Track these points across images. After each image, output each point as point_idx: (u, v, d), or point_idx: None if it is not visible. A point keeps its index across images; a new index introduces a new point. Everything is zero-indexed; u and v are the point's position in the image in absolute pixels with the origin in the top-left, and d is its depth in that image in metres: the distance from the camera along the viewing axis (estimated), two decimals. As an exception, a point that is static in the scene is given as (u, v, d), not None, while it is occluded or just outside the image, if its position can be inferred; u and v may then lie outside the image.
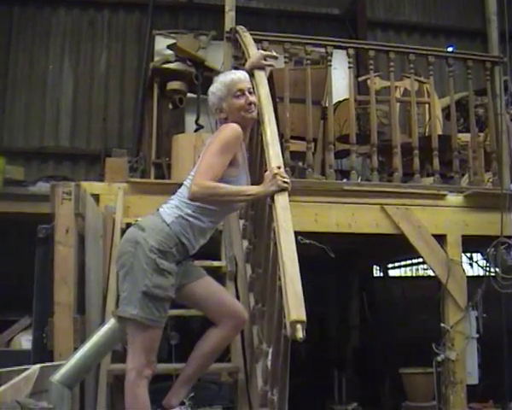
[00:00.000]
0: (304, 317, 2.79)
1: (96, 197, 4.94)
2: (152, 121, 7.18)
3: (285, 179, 3.38)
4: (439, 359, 5.38)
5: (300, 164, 6.01)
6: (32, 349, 4.25)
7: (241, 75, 3.76)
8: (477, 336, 5.52)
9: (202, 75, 7.13)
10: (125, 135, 8.25)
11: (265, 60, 4.19)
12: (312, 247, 4.92)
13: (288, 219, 3.20)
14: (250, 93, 3.72)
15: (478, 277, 6.53)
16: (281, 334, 3.08)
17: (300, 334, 2.77)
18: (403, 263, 9.05)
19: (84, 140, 8.34)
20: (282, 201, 3.31)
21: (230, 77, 3.74)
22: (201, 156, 3.61)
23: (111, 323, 3.48)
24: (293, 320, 2.78)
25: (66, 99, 8.42)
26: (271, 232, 3.37)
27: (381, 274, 8.99)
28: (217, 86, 3.73)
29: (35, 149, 8.12)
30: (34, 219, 4.50)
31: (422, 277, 8.96)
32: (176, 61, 7.49)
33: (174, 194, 3.66)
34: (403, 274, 9.42)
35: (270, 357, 3.45)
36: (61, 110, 8.38)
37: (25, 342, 5.45)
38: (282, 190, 3.36)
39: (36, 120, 8.31)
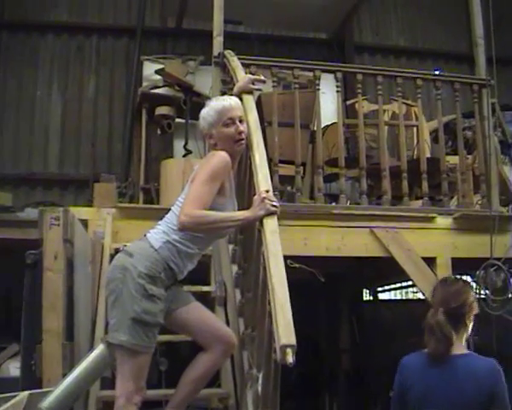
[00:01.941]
0: (294, 341, 2.77)
1: (85, 223, 4.92)
2: (140, 146, 7.18)
3: (273, 203, 3.37)
4: (430, 382, 5.33)
5: (289, 188, 6.00)
6: (21, 376, 4.21)
7: (232, 102, 3.73)
8: (468, 358, 5.49)
9: (190, 100, 7.13)
10: (113, 160, 8.25)
11: (253, 84, 4.19)
12: (302, 271, 4.91)
13: (277, 243, 3.19)
14: (241, 121, 3.70)
15: (468, 299, 6.51)
16: (271, 359, 3.05)
17: (290, 358, 2.74)
18: (392, 286, 9.04)
19: (72, 165, 8.33)
20: (270, 225, 3.29)
21: (222, 104, 3.71)
22: (189, 184, 3.60)
23: (100, 349, 3.45)
24: (282, 345, 2.75)
25: (55, 124, 8.42)
26: (261, 257, 3.36)
27: (371, 298, 8.98)
28: (208, 111, 3.71)
29: (23, 175, 8.10)
30: (22, 245, 4.47)
31: (412, 300, 8.97)
32: (164, 86, 7.50)
33: (161, 219, 3.65)
34: (393, 297, 9.41)
35: (260, 382, 3.43)
36: (49, 136, 8.37)
37: (13, 369, 5.40)
38: (271, 213, 3.34)
39: (24, 146, 8.30)
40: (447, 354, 3.30)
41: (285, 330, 2.80)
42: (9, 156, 8.21)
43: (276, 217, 3.35)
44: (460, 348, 3.36)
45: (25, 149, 8.27)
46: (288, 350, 2.75)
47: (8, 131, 8.26)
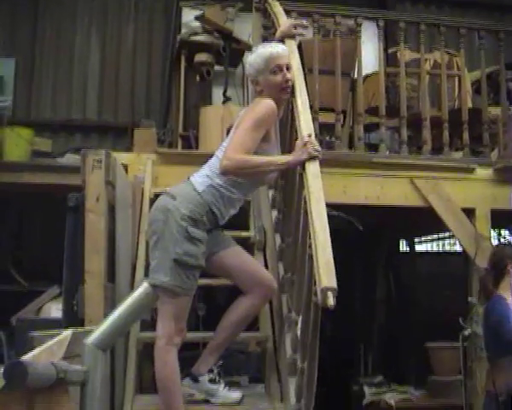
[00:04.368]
0: (335, 284, 2.78)
1: (125, 168, 4.94)
2: (179, 94, 7.17)
3: (316, 147, 3.36)
4: (465, 333, 5.34)
5: (328, 138, 5.97)
6: (63, 317, 4.27)
7: (280, 50, 3.70)
8: (505, 310, 5.51)
9: (230, 47, 7.08)
10: (152, 108, 8.23)
11: (295, 29, 4.15)
12: (339, 220, 4.91)
13: (319, 187, 3.18)
14: (288, 69, 3.68)
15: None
16: (310, 302, 3.06)
17: (331, 301, 2.75)
18: (429, 238, 9.00)
19: (111, 113, 8.33)
20: (313, 169, 3.29)
21: (269, 51, 3.67)
22: (234, 130, 3.61)
23: (144, 286, 3.49)
24: (324, 287, 2.76)
25: (94, 72, 8.39)
26: (302, 201, 3.36)
27: (408, 249, 8.94)
28: (255, 58, 3.69)
29: (62, 121, 8.13)
30: (62, 190, 4.52)
31: (449, 252, 8.93)
32: (203, 32, 7.44)
33: (205, 164, 3.67)
34: (429, 249, 9.37)
35: (299, 326, 3.46)
36: (88, 83, 8.35)
37: (54, 311, 5.49)
38: (313, 158, 3.34)
39: (63, 94, 8.30)
40: (487, 299, 4.71)
41: (326, 273, 2.80)
42: (48, 103, 8.23)
43: (318, 161, 3.34)
44: (496, 292, 4.62)
45: (64, 97, 8.27)
46: (329, 293, 2.76)
47: (47, 80, 8.26)
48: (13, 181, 6.08)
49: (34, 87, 8.21)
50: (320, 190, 3.16)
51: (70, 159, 6.41)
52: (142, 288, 3.50)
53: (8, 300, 6.00)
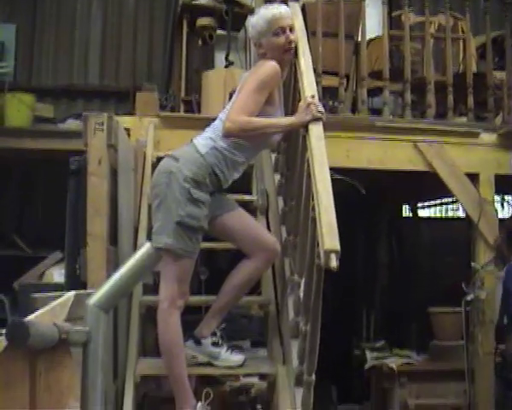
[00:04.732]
0: (338, 246, 2.78)
1: (127, 132, 4.91)
2: (181, 58, 7.10)
3: (319, 109, 3.35)
4: (468, 298, 5.36)
5: (331, 103, 5.93)
6: (65, 281, 4.26)
7: (283, 11, 3.67)
8: (507, 275, 5.52)
9: (232, 11, 7.00)
10: (154, 73, 8.17)
11: (298, -10, 4.11)
12: (342, 184, 4.89)
13: (322, 148, 3.17)
14: (291, 30, 3.65)
15: (508, 218, 6.49)
16: (313, 264, 3.06)
17: (334, 263, 2.75)
18: (432, 203, 8.98)
19: (113, 78, 8.27)
20: (316, 130, 3.27)
21: (272, 12, 3.64)
22: (237, 93, 3.59)
23: (146, 247, 3.49)
24: (327, 249, 2.76)
25: (95, 37, 8.30)
26: (305, 163, 3.34)
27: (411, 214, 8.92)
28: (257, 20, 3.66)
29: (64, 86, 8.08)
30: (63, 155, 4.49)
31: (452, 218, 8.92)
32: (206, -4, 7.37)
33: (208, 126, 3.65)
34: (432, 215, 9.36)
35: (302, 288, 3.46)
36: (89, 48, 8.28)
37: (57, 275, 5.50)
38: (317, 119, 3.32)
39: (65, 59, 8.22)
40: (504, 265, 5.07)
41: (329, 235, 2.80)
42: (50, 69, 8.17)
43: (321, 123, 3.32)
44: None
45: (65, 62, 8.19)
46: (332, 255, 2.76)
47: (48, 45, 8.18)
48: (15, 147, 6.05)
49: (35, 53, 8.13)
50: (323, 153, 3.15)
51: (72, 125, 6.38)
52: (144, 249, 3.50)
53: (11, 265, 6.01)
